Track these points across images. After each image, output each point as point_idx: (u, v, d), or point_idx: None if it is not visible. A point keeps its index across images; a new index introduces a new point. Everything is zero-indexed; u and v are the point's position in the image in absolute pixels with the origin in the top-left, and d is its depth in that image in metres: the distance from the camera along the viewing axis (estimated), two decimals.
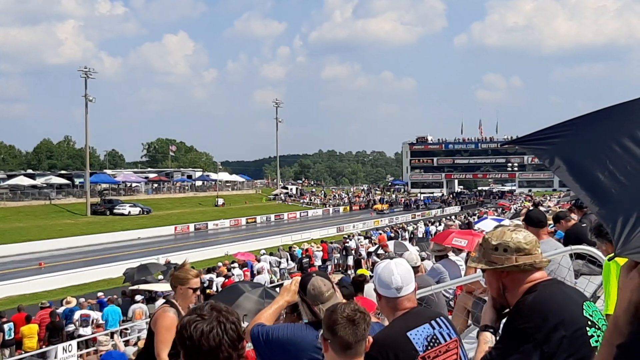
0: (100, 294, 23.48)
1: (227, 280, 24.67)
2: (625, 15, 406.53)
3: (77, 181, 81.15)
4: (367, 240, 38.95)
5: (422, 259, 13.06)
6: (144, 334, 19.12)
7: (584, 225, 9.20)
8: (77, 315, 19.11)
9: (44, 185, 76.61)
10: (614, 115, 2.24)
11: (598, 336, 2.62)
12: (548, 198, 67.84)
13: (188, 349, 2.41)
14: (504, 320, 2.85)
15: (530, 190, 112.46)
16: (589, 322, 2.64)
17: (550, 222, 12.01)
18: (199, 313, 2.42)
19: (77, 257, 45.35)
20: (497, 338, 2.86)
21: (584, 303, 2.73)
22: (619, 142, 2.07)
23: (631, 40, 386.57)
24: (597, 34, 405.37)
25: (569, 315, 2.60)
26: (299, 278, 3.99)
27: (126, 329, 19.29)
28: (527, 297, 2.68)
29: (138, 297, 21.49)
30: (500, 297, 2.91)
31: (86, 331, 18.96)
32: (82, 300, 20.99)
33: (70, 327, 19.09)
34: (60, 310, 19.86)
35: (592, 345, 2.59)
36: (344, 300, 3.76)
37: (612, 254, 1.79)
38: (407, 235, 44.07)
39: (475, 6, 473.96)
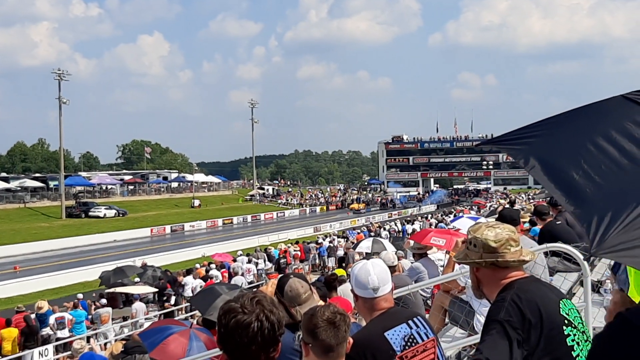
0: (80, 295, 23.23)
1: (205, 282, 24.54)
2: (598, 13, 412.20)
3: (51, 184, 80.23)
4: (343, 240, 38.98)
5: (400, 258, 13.12)
6: (112, 337, 19.04)
7: (559, 222, 9.26)
8: (51, 319, 18.92)
9: (18, 188, 75.73)
10: (588, 114, 2.26)
11: (574, 335, 2.62)
12: (527, 196, 68.30)
13: (221, 335, 2.40)
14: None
15: (505, 188, 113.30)
16: (566, 321, 2.64)
17: (529, 216, 12.10)
18: (243, 304, 2.38)
19: (53, 260, 44.85)
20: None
21: (560, 301, 2.73)
22: (593, 141, 2.09)
23: (605, 38, 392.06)
24: (571, 32, 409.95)
25: (546, 315, 2.60)
26: (276, 279, 3.98)
27: (96, 333, 19.15)
28: (505, 295, 2.68)
29: (103, 301, 21.35)
30: (478, 290, 2.92)
31: (64, 333, 18.79)
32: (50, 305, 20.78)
33: (46, 331, 18.90)
34: (34, 315, 19.66)
35: (569, 344, 2.59)
36: (321, 302, 3.76)
37: (589, 253, 1.80)
38: (384, 233, 44.07)
39: (450, 5, 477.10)
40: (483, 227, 2.87)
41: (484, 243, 2.78)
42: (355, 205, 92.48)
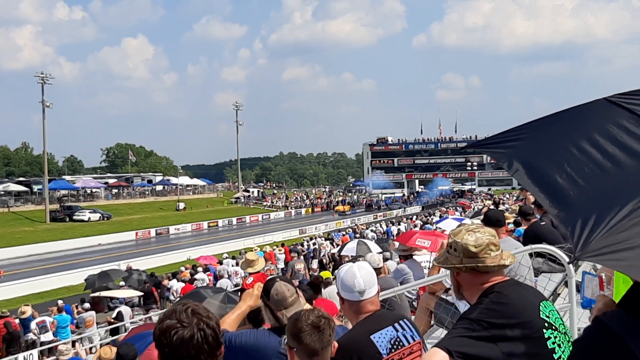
0: (60, 302, 23.06)
1: (185, 285, 24.43)
2: (582, 14, 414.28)
3: (35, 188, 79.96)
4: (328, 242, 38.95)
5: (386, 259, 13.12)
6: (97, 342, 18.93)
7: (543, 223, 9.31)
8: (33, 324, 18.80)
9: (2, 192, 75.52)
10: (571, 118, 2.27)
11: (555, 337, 2.62)
12: (508, 197, 68.50)
13: (166, 355, 2.36)
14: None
15: (489, 189, 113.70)
16: (546, 324, 2.64)
17: (514, 217, 12.16)
18: (179, 318, 2.35)
19: (37, 264, 44.61)
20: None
21: (541, 304, 2.72)
22: (576, 144, 2.09)
23: (588, 38, 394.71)
24: (555, 33, 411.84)
25: (526, 318, 2.59)
26: (262, 283, 3.98)
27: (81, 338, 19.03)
28: (484, 299, 2.68)
29: (86, 305, 21.22)
30: (458, 294, 2.92)
31: (47, 337, 18.66)
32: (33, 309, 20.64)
33: (30, 336, 18.77)
34: (18, 320, 19.51)
35: (550, 347, 2.59)
36: (307, 305, 3.75)
37: (573, 257, 1.81)
38: (370, 235, 44.05)
39: (433, 7, 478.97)
40: (463, 231, 2.85)
41: (465, 248, 2.77)
42: (340, 207, 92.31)
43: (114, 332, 19.38)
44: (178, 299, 22.20)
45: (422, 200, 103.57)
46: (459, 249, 2.79)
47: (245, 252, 34.18)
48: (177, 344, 2.31)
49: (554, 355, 2.58)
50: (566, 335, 2.72)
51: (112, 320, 19.91)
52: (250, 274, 8.15)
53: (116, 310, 20.38)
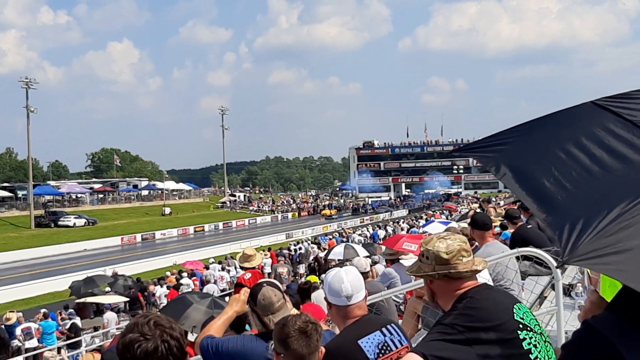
0: (43, 310, 22.91)
1: (169, 291, 24.35)
2: (567, 17, 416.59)
3: (20, 193, 79.66)
4: (315, 246, 38.96)
5: (375, 263, 13.10)
6: (83, 348, 18.81)
7: (530, 226, 9.35)
8: (18, 330, 18.68)
9: None
10: (558, 121, 2.27)
11: (530, 338, 2.64)
12: (498, 200, 68.67)
13: None
14: None
15: (476, 192, 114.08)
16: (520, 325, 2.65)
17: (500, 220, 12.19)
18: (142, 331, 2.33)
19: (22, 270, 44.49)
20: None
21: (514, 306, 2.74)
22: (563, 148, 2.09)
23: (573, 41, 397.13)
24: (540, 36, 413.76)
25: (500, 320, 2.61)
26: (258, 279, 3.97)
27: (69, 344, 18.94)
28: (458, 305, 2.69)
29: (70, 311, 21.09)
30: (433, 302, 2.93)
31: (32, 343, 18.55)
32: (19, 314, 20.51)
33: (16, 343, 18.64)
34: (3, 327, 19.38)
35: (525, 347, 2.60)
36: (295, 310, 3.74)
37: (561, 261, 1.81)
38: (357, 239, 44.09)
39: (419, 10, 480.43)
40: (434, 239, 2.87)
41: (436, 255, 2.79)
42: (327, 211, 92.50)
43: (72, 346, 19.11)
44: (161, 305, 22.15)
45: (411, 204, 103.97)
46: (431, 257, 2.81)
47: (232, 257, 34.26)
48: (141, 357, 2.29)
49: (530, 355, 2.60)
50: (542, 336, 2.74)
51: (67, 332, 19.62)
52: (246, 269, 8.13)
53: (70, 322, 20.09)
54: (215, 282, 27.62)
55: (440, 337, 2.52)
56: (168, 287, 25.07)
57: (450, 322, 2.58)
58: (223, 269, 31.06)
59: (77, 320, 20.41)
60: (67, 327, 19.75)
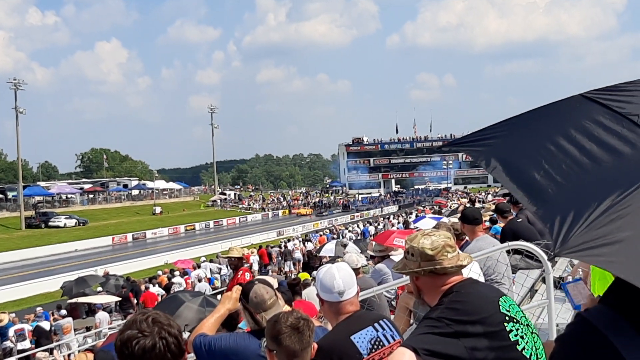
0: (39, 308, 22.85)
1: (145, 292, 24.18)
2: (554, 12, 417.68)
3: (10, 195, 79.38)
4: (301, 243, 39.09)
5: (372, 257, 13.09)
6: (75, 348, 18.75)
7: (520, 220, 9.37)
8: (11, 331, 18.60)
9: None
10: (548, 114, 2.27)
11: (517, 330, 2.66)
12: (488, 194, 68.89)
13: None
14: None
15: (465, 187, 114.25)
16: (507, 318, 2.67)
17: (490, 214, 12.23)
18: (140, 328, 2.33)
19: (13, 272, 44.39)
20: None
21: (500, 299, 2.75)
22: (553, 141, 2.10)
23: (560, 36, 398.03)
24: (527, 31, 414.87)
25: (486, 313, 2.63)
26: (241, 286, 3.96)
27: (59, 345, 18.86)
28: (444, 300, 2.70)
29: (62, 312, 21.02)
30: (419, 298, 2.94)
31: (25, 345, 18.46)
32: (12, 315, 20.44)
33: (7, 344, 18.57)
34: None
35: (512, 339, 2.62)
36: (287, 307, 3.74)
37: (553, 253, 1.81)
38: (348, 235, 44.11)
39: (407, 6, 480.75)
40: (419, 235, 2.89)
41: (421, 252, 2.80)
42: (302, 211, 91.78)
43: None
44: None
45: (401, 200, 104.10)
46: (416, 254, 2.82)
47: (222, 255, 34.22)
48: (139, 354, 2.30)
49: (517, 347, 2.61)
50: (529, 327, 2.76)
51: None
52: (228, 259, 8.20)
53: (34, 324, 19.91)
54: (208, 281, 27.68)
55: (429, 330, 2.53)
56: (166, 287, 25.00)
57: (437, 316, 2.59)
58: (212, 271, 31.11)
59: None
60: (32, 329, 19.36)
